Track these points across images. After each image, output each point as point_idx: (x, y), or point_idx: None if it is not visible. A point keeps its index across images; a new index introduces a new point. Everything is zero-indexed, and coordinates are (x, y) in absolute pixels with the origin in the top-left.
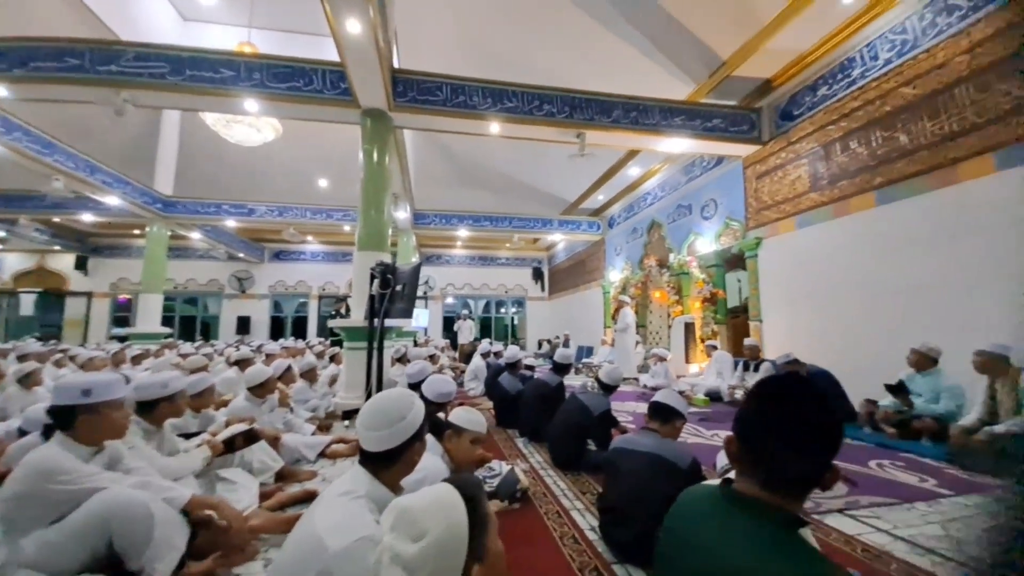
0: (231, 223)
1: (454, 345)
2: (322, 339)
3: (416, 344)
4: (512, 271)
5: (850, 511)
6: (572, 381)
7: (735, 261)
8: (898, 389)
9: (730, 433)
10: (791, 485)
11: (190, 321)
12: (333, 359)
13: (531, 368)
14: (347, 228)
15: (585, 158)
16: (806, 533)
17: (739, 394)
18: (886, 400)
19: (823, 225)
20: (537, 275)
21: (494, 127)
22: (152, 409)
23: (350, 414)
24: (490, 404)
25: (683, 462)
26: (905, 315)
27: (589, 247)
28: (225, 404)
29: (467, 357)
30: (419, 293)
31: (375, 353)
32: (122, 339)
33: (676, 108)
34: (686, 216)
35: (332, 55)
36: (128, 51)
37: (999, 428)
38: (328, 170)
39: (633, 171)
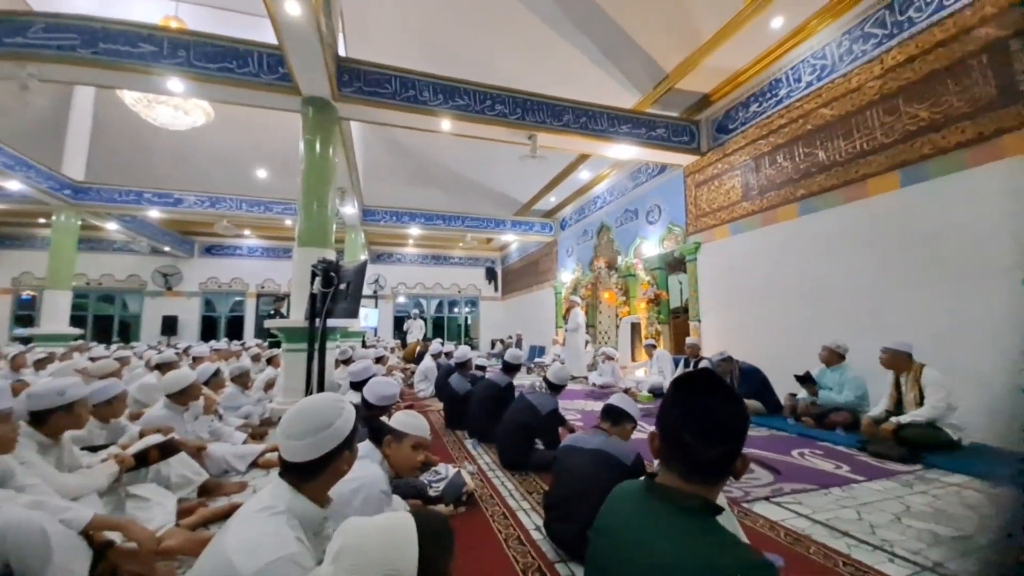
0: (154, 213)
1: (405, 345)
2: (260, 341)
3: (364, 345)
4: (465, 271)
5: (775, 498)
6: (523, 380)
7: (677, 264)
8: (805, 379)
9: (654, 429)
10: (705, 474)
11: (106, 321)
12: (271, 362)
13: (482, 368)
14: (288, 222)
15: (537, 160)
16: (725, 519)
17: None
18: (802, 393)
19: (753, 232)
20: (490, 275)
21: (445, 124)
22: (47, 420)
23: None
24: (440, 405)
25: (627, 458)
26: (823, 315)
27: (542, 248)
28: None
29: (417, 358)
30: (369, 292)
31: (316, 355)
32: (25, 340)
33: (623, 116)
34: (633, 220)
35: (271, 37)
36: (37, 22)
37: (903, 418)
38: (268, 160)
39: (584, 175)
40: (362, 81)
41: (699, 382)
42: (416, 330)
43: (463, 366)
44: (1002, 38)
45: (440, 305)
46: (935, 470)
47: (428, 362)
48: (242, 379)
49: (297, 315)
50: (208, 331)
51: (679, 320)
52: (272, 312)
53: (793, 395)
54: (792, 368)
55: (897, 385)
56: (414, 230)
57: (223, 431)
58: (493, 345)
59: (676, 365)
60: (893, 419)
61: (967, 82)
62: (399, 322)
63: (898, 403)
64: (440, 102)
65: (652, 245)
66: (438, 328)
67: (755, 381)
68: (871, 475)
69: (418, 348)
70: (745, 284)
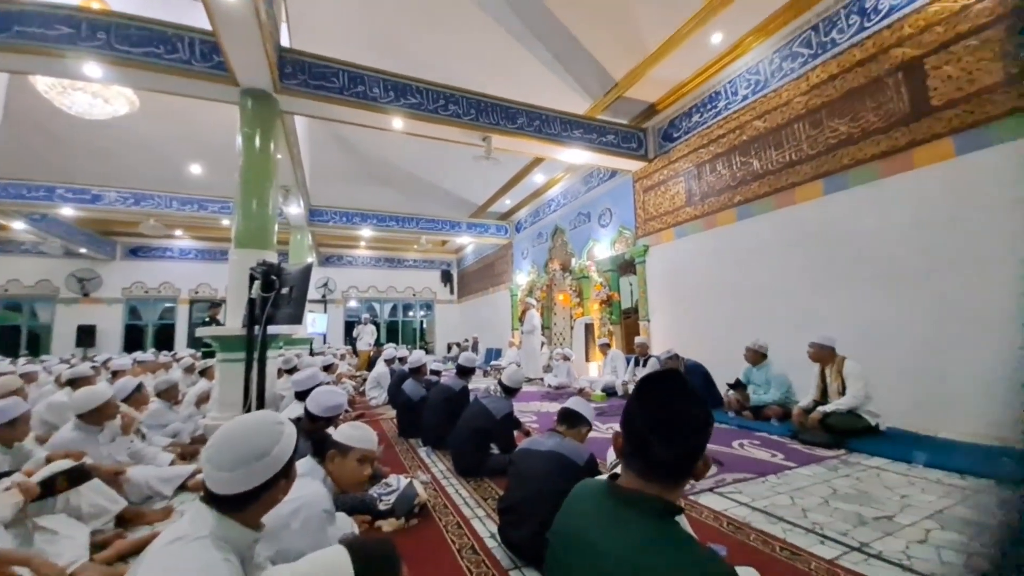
0: (68, 211)
1: (356, 352)
2: (193, 351)
3: (312, 352)
4: (420, 273)
5: (718, 489)
6: (480, 384)
7: (627, 266)
8: (736, 386)
9: (618, 429)
10: (667, 474)
11: (12, 332)
12: (204, 374)
13: (437, 373)
14: (226, 222)
15: (492, 162)
16: (683, 520)
17: (632, 388)
18: (732, 392)
19: (696, 236)
20: (446, 278)
21: (397, 123)
22: None
23: None
24: (393, 413)
25: (581, 459)
26: (757, 314)
27: (497, 250)
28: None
29: (370, 365)
30: (317, 296)
31: (255, 365)
32: None
33: (575, 121)
34: (586, 223)
35: (206, 23)
36: None
37: (828, 407)
38: (202, 154)
39: (538, 178)
40: (307, 74)
41: (664, 383)
42: (367, 335)
43: (417, 371)
44: (917, 57)
45: (394, 309)
46: (857, 454)
47: (381, 368)
48: (169, 393)
49: (234, 322)
50: (133, 342)
51: (630, 320)
52: (207, 319)
53: (731, 384)
54: (731, 364)
55: (823, 376)
56: (366, 231)
57: (145, 452)
58: (449, 349)
59: (628, 364)
60: (819, 408)
61: (882, 98)
62: (350, 327)
63: (824, 393)
64: (391, 99)
65: (604, 248)
66: (392, 333)
67: (698, 377)
68: (802, 461)
69: (372, 354)
70: (689, 285)
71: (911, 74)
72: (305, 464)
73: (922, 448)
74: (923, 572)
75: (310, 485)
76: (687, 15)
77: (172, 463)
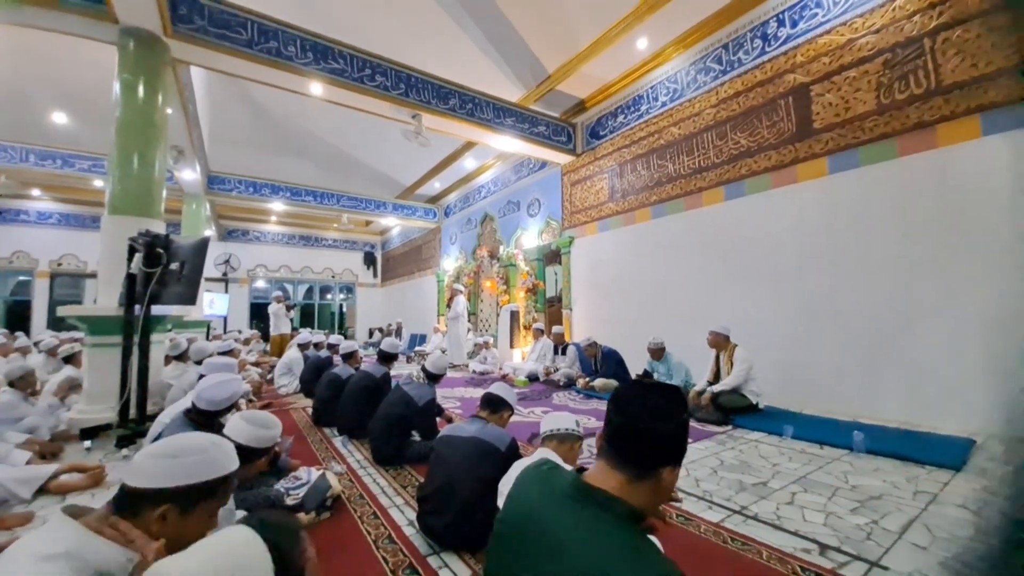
0: None
1: (266, 337)
2: (54, 332)
3: (209, 337)
4: (341, 254)
5: None
6: (403, 370)
7: (553, 256)
8: (645, 376)
9: (600, 431)
10: (637, 462)
11: None
12: (70, 360)
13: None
14: (99, 184)
15: (422, 143)
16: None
17: (556, 375)
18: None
19: (616, 231)
20: (369, 260)
21: (316, 88)
22: None
23: (92, 433)
24: (305, 403)
25: (503, 444)
26: (665, 306)
27: (425, 234)
28: None
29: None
30: (218, 274)
31: (135, 351)
32: None
33: (508, 109)
34: (515, 212)
35: None
36: None
37: (716, 387)
38: (68, 102)
39: (469, 163)
40: (206, 19)
41: (647, 384)
42: (281, 317)
43: (350, 357)
44: (806, 83)
45: (310, 291)
46: (740, 429)
47: (293, 353)
48: (24, 382)
49: (108, 300)
50: None
51: (554, 309)
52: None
53: (640, 375)
54: (643, 350)
55: (717, 361)
56: (277, 205)
57: None
58: (371, 334)
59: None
60: (709, 389)
61: (775, 118)
62: (257, 310)
63: (717, 375)
64: (309, 61)
65: (532, 237)
66: (307, 316)
67: (613, 362)
68: (696, 437)
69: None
70: (608, 277)
71: (799, 99)
72: None
73: (790, 423)
74: (789, 529)
75: None
76: (617, 16)
77: (28, 462)
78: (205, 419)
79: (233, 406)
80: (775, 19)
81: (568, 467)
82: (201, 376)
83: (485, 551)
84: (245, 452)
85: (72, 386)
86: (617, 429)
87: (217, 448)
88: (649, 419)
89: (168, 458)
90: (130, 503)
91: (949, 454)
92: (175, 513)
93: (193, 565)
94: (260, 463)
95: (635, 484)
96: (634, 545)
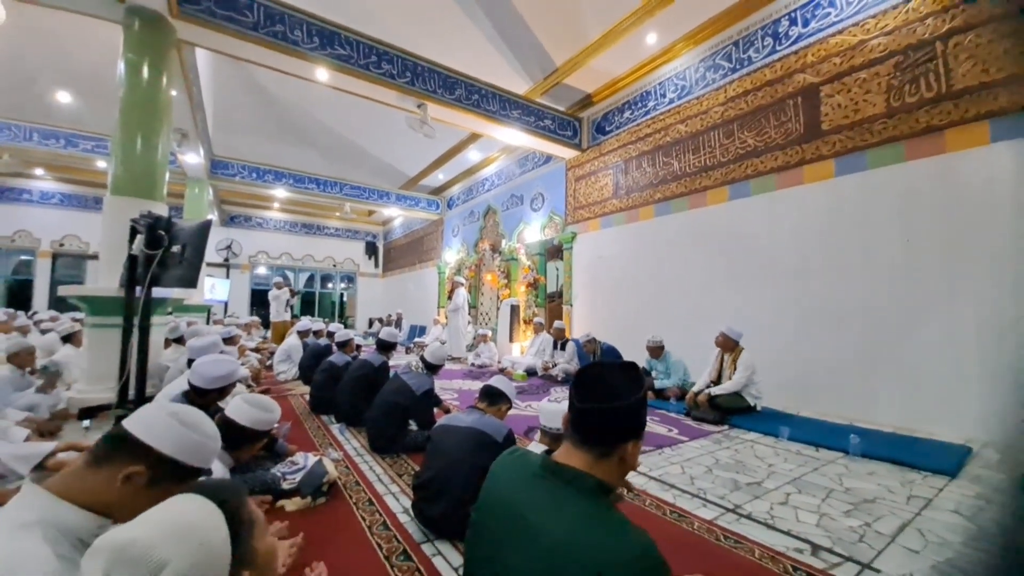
0: None
1: (266, 323)
2: (55, 313)
3: (209, 321)
4: (342, 243)
5: None
6: (401, 360)
7: (555, 251)
8: (643, 374)
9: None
10: (599, 440)
11: None
12: (69, 339)
13: (358, 348)
14: (102, 164)
15: (427, 132)
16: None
17: (555, 370)
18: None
19: (619, 228)
20: (371, 250)
21: (321, 74)
22: None
23: (91, 413)
24: (304, 390)
25: (500, 435)
26: (665, 305)
27: (427, 225)
28: None
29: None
30: (219, 259)
31: (135, 332)
32: None
33: (514, 101)
34: (518, 206)
35: None
36: None
37: (715, 390)
38: (73, 81)
39: (473, 155)
40: (213, 0)
41: (605, 365)
42: (282, 303)
43: (345, 345)
44: (815, 84)
45: (311, 279)
46: (737, 429)
47: (293, 340)
48: (22, 359)
49: (109, 281)
50: None
51: (554, 304)
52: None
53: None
54: (642, 348)
55: (721, 361)
56: (280, 192)
57: None
58: (371, 324)
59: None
60: (707, 391)
61: (783, 117)
62: (258, 296)
63: (719, 375)
64: (316, 47)
65: (534, 231)
66: (308, 304)
67: (612, 359)
68: (692, 435)
69: (288, 326)
70: (610, 273)
71: (808, 99)
72: None
73: (787, 424)
74: (782, 529)
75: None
76: (627, 10)
77: (27, 439)
78: (202, 399)
79: (230, 387)
80: (787, 17)
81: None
82: (191, 361)
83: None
84: (246, 434)
85: (52, 377)
86: (580, 412)
87: (216, 443)
88: (608, 399)
89: (180, 423)
90: (112, 446)
91: (944, 460)
92: (142, 480)
93: (147, 529)
94: (256, 447)
95: (600, 461)
96: (604, 515)
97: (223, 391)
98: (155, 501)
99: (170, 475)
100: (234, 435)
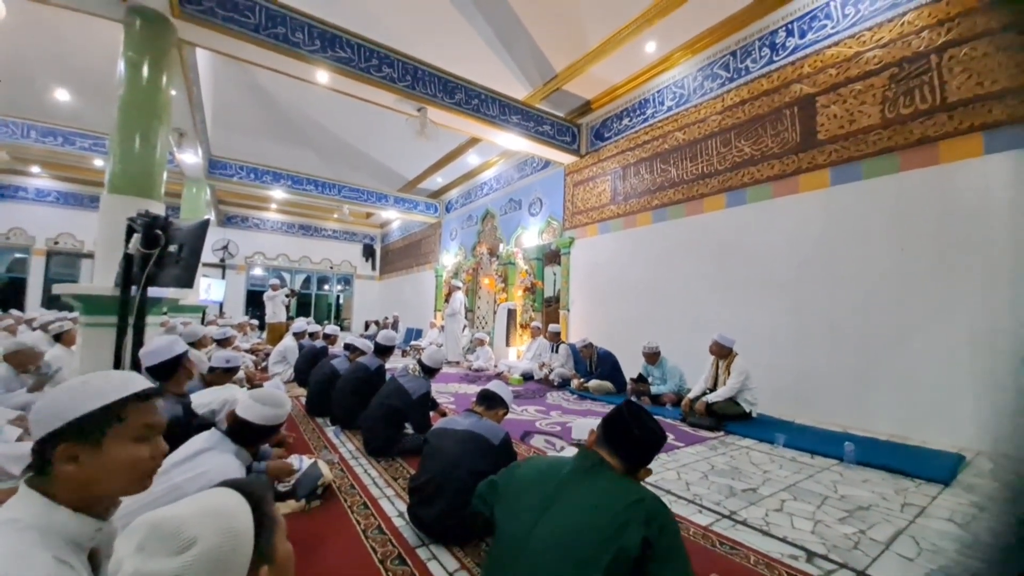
0: None
1: (262, 325)
2: (52, 311)
3: (204, 322)
4: (340, 245)
5: None
6: (398, 363)
7: (553, 256)
8: (638, 379)
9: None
10: (631, 461)
11: None
12: (60, 338)
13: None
14: (99, 163)
15: (426, 136)
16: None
17: (552, 375)
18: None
19: (617, 234)
20: (368, 252)
21: (322, 76)
22: None
23: None
24: (299, 392)
25: (496, 438)
26: (661, 311)
27: (425, 228)
28: None
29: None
30: (215, 260)
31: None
32: None
33: (514, 106)
34: (516, 210)
35: None
36: None
37: (710, 397)
38: (72, 79)
39: (472, 159)
40: (214, 1)
41: (645, 412)
42: (279, 305)
43: (329, 337)
44: (812, 94)
45: (308, 281)
46: (732, 435)
47: (288, 342)
48: (17, 358)
49: (104, 280)
50: None
51: (551, 309)
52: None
53: (635, 379)
54: (638, 354)
55: (716, 368)
56: (278, 193)
57: None
58: (367, 327)
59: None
60: (703, 398)
61: (780, 127)
62: (254, 297)
63: (715, 382)
64: (316, 49)
65: (532, 236)
66: (304, 306)
67: (608, 364)
68: (688, 441)
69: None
70: (607, 279)
71: (805, 109)
72: (210, 438)
73: (782, 431)
74: (777, 535)
75: (217, 457)
76: (627, 18)
77: (20, 439)
78: (164, 381)
79: (180, 366)
80: (784, 29)
81: None
82: None
83: (476, 542)
84: (258, 431)
85: (43, 379)
86: (622, 433)
87: (102, 378)
88: (647, 434)
89: (50, 399)
90: (39, 464)
91: (938, 468)
92: (86, 451)
93: (181, 510)
94: (269, 440)
95: (630, 469)
96: (627, 483)
97: (174, 368)
98: (126, 449)
99: (95, 423)
100: (247, 433)
